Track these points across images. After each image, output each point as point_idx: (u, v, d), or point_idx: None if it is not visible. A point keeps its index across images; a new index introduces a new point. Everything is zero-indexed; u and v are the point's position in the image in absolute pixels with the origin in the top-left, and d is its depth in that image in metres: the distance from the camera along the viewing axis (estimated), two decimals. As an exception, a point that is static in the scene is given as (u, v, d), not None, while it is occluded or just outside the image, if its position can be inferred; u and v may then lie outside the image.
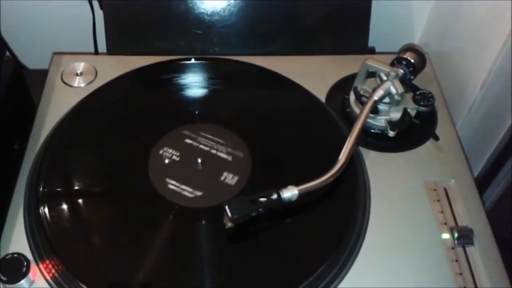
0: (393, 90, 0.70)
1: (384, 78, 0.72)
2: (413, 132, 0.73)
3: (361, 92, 0.74)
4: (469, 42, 0.84)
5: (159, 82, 0.80)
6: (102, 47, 0.87)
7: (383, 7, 0.90)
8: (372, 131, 0.74)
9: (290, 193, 0.60)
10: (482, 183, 0.83)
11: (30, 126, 0.74)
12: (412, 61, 0.73)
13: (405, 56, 0.73)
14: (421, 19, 0.98)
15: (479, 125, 0.83)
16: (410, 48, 0.74)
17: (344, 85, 0.80)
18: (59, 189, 0.67)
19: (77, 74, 0.80)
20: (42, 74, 0.82)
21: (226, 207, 0.59)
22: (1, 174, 0.69)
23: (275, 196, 0.60)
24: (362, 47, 0.86)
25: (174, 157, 0.70)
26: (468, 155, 0.76)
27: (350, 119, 0.75)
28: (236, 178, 0.68)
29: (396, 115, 0.73)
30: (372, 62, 0.72)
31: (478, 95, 0.80)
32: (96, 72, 0.80)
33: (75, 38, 0.96)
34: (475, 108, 0.82)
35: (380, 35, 0.90)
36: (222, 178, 0.68)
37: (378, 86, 0.71)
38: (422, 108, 0.73)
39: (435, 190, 0.68)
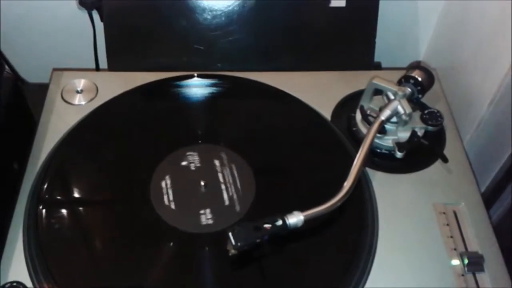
0: (401, 110, 0.69)
1: (392, 97, 0.70)
2: (421, 152, 0.71)
3: (368, 112, 0.72)
4: (476, 57, 0.82)
5: (160, 100, 0.79)
6: (104, 61, 0.85)
7: (388, 21, 0.88)
8: (379, 151, 0.72)
9: (295, 219, 0.59)
10: (489, 198, 0.81)
11: (29, 144, 0.73)
12: (420, 79, 0.71)
13: (412, 75, 0.71)
14: (426, 33, 0.97)
15: (487, 141, 0.81)
16: (417, 66, 0.72)
17: (350, 102, 0.78)
18: (60, 214, 0.65)
19: (77, 92, 0.78)
20: (42, 88, 0.81)
21: (230, 234, 0.57)
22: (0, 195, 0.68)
23: (280, 222, 0.59)
24: (368, 63, 0.85)
25: (176, 178, 0.68)
26: (475, 170, 0.75)
27: (357, 139, 0.73)
28: (240, 200, 0.66)
29: (403, 134, 0.71)
30: (379, 81, 0.70)
31: (486, 111, 0.78)
32: (97, 89, 0.79)
33: (76, 51, 0.95)
34: (483, 124, 0.80)
35: (385, 49, 0.88)
36: (226, 201, 0.66)
37: (385, 106, 0.69)
38: (430, 128, 0.71)
39: (444, 213, 0.67)
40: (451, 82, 0.86)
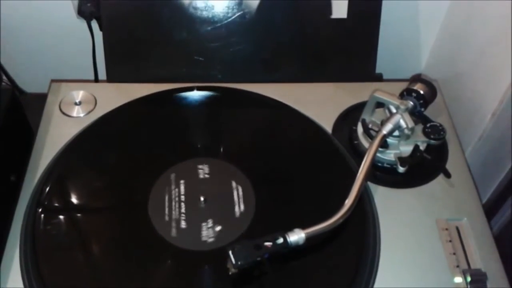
0: (403, 124, 0.68)
1: (394, 110, 0.69)
2: (423, 166, 0.70)
3: (369, 125, 0.72)
4: (478, 67, 0.81)
5: (160, 113, 0.78)
6: (103, 71, 0.85)
7: (389, 32, 0.87)
8: (381, 165, 0.71)
9: (296, 236, 0.58)
10: (490, 209, 0.81)
11: (27, 156, 0.72)
12: (422, 92, 0.70)
13: (415, 88, 0.71)
14: (427, 43, 0.96)
15: (489, 153, 0.81)
16: (419, 79, 0.72)
17: (351, 115, 0.77)
18: (58, 228, 0.64)
19: (76, 104, 0.77)
20: (41, 98, 0.80)
21: (230, 252, 0.56)
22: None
23: (281, 240, 0.58)
24: (370, 74, 0.84)
25: (175, 193, 0.67)
26: (476, 181, 0.74)
27: (358, 152, 0.73)
28: (240, 216, 0.65)
29: (406, 148, 0.70)
30: (381, 95, 0.69)
31: (488, 123, 0.78)
32: (96, 101, 0.78)
33: (75, 61, 0.94)
34: (485, 136, 0.80)
35: (386, 60, 0.87)
36: (226, 216, 0.65)
37: (387, 120, 0.68)
38: (432, 142, 0.70)
39: (447, 229, 0.66)
40: (452, 92, 0.85)
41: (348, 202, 0.61)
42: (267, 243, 0.57)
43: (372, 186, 0.69)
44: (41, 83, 0.88)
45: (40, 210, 0.65)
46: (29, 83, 0.97)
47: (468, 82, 0.84)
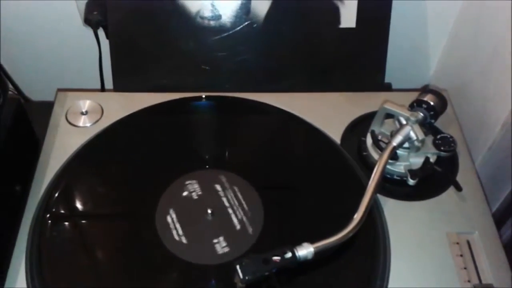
0: (413, 136, 0.67)
1: (404, 122, 0.68)
2: (433, 178, 0.69)
3: (379, 137, 0.71)
4: (487, 77, 0.80)
5: (167, 123, 0.77)
6: (109, 80, 0.84)
7: (397, 41, 0.86)
8: (391, 177, 0.70)
9: (305, 251, 0.57)
10: (499, 219, 0.79)
11: (33, 166, 0.71)
12: (433, 103, 0.69)
13: (425, 99, 0.69)
14: (436, 52, 0.96)
15: (499, 163, 0.80)
16: (430, 90, 0.71)
17: (360, 125, 0.77)
18: (64, 243, 0.64)
19: (82, 113, 0.77)
20: (47, 107, 0.79)
21: (238, 267, 0.56)
22: (2, 220, 0.67)
23: (289, 254, 0.57)
24: (379, 84, 0.83)
25: (183, 206, 0.66)
26: (485, 191, 0.73)
27: (367, 164, 0.72)
28: (248, 229, 0.64)
29: (416, 160, 0.69)
30: (391, 106, 0.69)
31: (498, 134, 0.77)
32: (102, 111, 0.77)
33: (81, 69, 0.93)
34: (495, 146, 0.78)
35: (394, 69, 0.86)
36: (233, 230, 0.64)
37: (397, 132, 0.67)
38: (443, 154, 0.70)
39: (457, 243, 0.65)
40: (461, 102, 0.84)
41: (358, 215, 0.60)
42: (275, 258, 0.57)
43: (381, 199, 0.68)
44: (47, 91, 0.88)
45: (47, 221, 0.64)
46: (35, 91, 0.96)
47: (477, 91, 0.83)
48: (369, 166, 0.71)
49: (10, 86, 0.91)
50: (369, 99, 0.79)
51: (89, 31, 0.85)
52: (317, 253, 0.58)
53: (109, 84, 0.85)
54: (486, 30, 0.81)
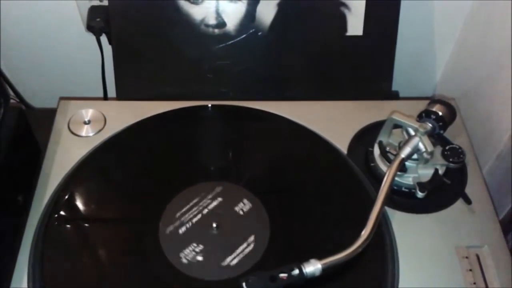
0: (422, 148, 0.66)
1: (412, 133, 0.67)
2: (442, 191, 0.68)
3: (387, 148, 0.70)
4: (494, 84, 0.79)
5: (171, 132, 0.76)
6: (112, 87, 0.83)
7: (403, 47, 0.85)
8: (399, 189, 0.69)
9: (312, 267, 0.56)
10: (505, 228, 0.78)
11: (35, 176, 0.70)
12: (441, 114, 0.68)
13: (434, 109, 0.68)
14: (442, 59, 0.94)
15: (507, 171, 0.79)
16: (438, 100, 0.70)
17: (367, 135, 0.75)
18: (67, 254, 0.63)
19: (85, 122, 0.76)
20: (49, 114, 0.78)
21: (244, 284, 0.55)
22: (4, 231, 0.66)
23: (296, 271, 0.56)
24: (386, 92, 0.82)
25: (188, 219, 0.65)
26: (493, 199, 0.72)
27: (375, 175, 0.71)
28: (254, 244, 0.63)
29: (424, 171, 0.68)
30: (399, 117, 0.68)
31: (506, 144, 0.76)
32: (105, 120, 0.76)
33: (84, 76, 0.92)
34: (503, 156, 0.77)
35: (401, 76, 0.85)
36: (239, 244, 0.63)
37: (405, 143, 0.66)
38: (451, 165, 0.68)
39: (467, 257, 0.64)
40: (469, 108, 0.83)
41: (366, 231, 0.59)
42: (282, 275, 0.56)
43: (389, 211, 0.67)
44: (50, 97, 0.87)
45: (51, 232, 0.64)
46: (37, 97, 0.95)
47: (485, 98, 0.82)
48: (376, 177, 0.70)
49: (12, 93, 0.90)
50: (376, 108, 0.78)
51: (92, 37, 0.84)
52: (325, 269, 0.57)
53: (112, 91, 0.84)
54: (494, 36, 0.80)
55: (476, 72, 0.85)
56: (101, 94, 0.88)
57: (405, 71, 0.88)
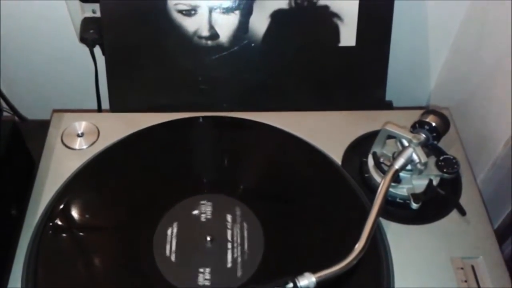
0: (416, 159, 0.66)
1: (406, 144, 0.67)
2: (436, 201, 0.68)
3: (381, 159, 0.70)
4: (490, 92, 0.79)
5: (165, 145, 0.76)
6: (107, 99, 0.83)
7: (396, 56, 0.85)
8: (393, 200, 0.69)
9: (307, 281, 0.56)
10: (501, 236, 0.78)
11: (28, 189, 0.70)
12: (435, 124, 0.68)
13: (427, 120, 0.68)
14: (436, 68, 0.94)
15: (502, 180, 0.79)
16: (432, 110, 0.69)
17: (361, 145, 0.75)
18: (62, 266, 0.63)
19: (78, 135, 0.75)
20: (42, 125, 0.78)
21: (238, 299, 0.55)
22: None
23: (290, 285, 0.56)
24: (380, 102, 0.82)
25: (182, 232, 0.65)
26: (488, 207, 0.72)
27: (369, 185, 0.70)
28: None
29: (419, 182, 0.68)
30: (392, 128, 0.67)
31: (501, 152, 0.75)
32: (99, 132, 0.76)
33: (79, 86, 0.92)
34: (498, 164, 0.77)
35: (394, 85, 0.85)
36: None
37: (399, 154, 0.66)
38: (446, 176, 0.68)
39: (462, 268, 0.64)
40: (463, 117, 0.83)
41: (361, 242, 0.59)
42: (276, 289, 0.56)
43: (383, 222, 0.67)
44: (43, 109, 0.87)
45: (44, 247, 0.63)
46: (31, 109, 0.95)
47: (479, 107, 0.82)
48: (371, 188, 0.70)
49: (6, 106, 0.89)
50: (370, 118, 0.78)
51: (86, 49, 0.84)
52: (319, 283, 0.57)
53: (106, 102, 0.83)
54: (488, 43, 0.80)
55: (470, 80, 0.85)
56: (95, 106, 0.88)
57: (398, 79, 0.88)
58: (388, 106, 0.85)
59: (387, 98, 0.84)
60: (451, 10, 0.85)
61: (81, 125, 0.76)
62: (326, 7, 0.77)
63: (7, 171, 0.70)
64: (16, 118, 0.93)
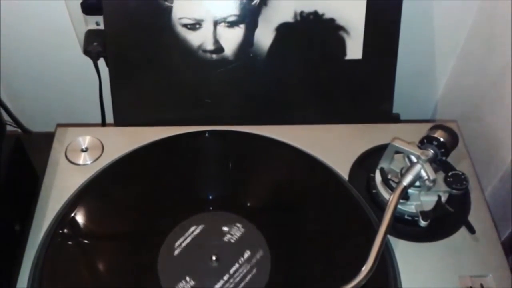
0: (424, 175, 0.65)
1: (414, 160, 0.66)
2: (445, 218, 0.67)
3: (389, 176, 0.69)
4: (497, 103, 0.78)
5: (170, 160, 0.75)
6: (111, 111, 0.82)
7: (402, 67, 0.84)
8: (401, 217, 0.68)
9: (314, 302, 0.55)
10: (508, 249, 0.78)
11: (32, 204, 0.69)
12: (443, 140, 0.67)
13: (435, 136, 0.67)
14: (442, 79, 0.93)
15: (509, 194, 0.78)
16: (440, 125, 0.68)
17: (368, 160, 0.74)
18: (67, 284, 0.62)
19: (82, 150, 0.75)
20: (47, 138, 0.78)
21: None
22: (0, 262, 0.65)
23: (298, 307, 0.55)
24: (387, 115, 0.81)
25: (187, 250, 0.64)
26: (495, 220, 0.71)
27: (377, 202, 0.70)
28: (253, 277, 0.62)
29: (427, 198, 0.67)
30: (400, 144, 0.67)
31: (509, 165, 0.74)
32: (103, 146, 0.75)
33: (83, 99, 0.92)
34: (506, 177, 0.76)
35: (400, 97, 0.84)
36: (239, 278, 0.62)
37: (407, 171, 0.65)
38: (454, 192, 0.67)
39: (471, 287, 0.63)
40: (470, 129, 0.82)
41: (369, 263, 0.58)
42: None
43: (391, 239, 0.66)
44: (47, 121, 0.86)
45: (48, 265, 0.63)
46: (35, 122, 0.94)
47: (487, 117, 0.81)
48: (378, 204, 0.69)
49: (9, 119, 0.89)
50: (377, 131, 0.77)
51: (90, 61, 0.83)
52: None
53: (110, 115, 0.83)
54: (496, 53, 0.79)
55: (477, 91, 0.85)
56: (99, 117, 0.87)
57: (405, 91, 0.87)
58: (395, 119, 0.84)
59: (394, 108, 0.84)
60: (458, 21, 0.85)
61: (85, 140, 0.76)
62: (332, 20, 0.76)
63: (10, 186, 0.69)
64: (20, 131, 0.92)
